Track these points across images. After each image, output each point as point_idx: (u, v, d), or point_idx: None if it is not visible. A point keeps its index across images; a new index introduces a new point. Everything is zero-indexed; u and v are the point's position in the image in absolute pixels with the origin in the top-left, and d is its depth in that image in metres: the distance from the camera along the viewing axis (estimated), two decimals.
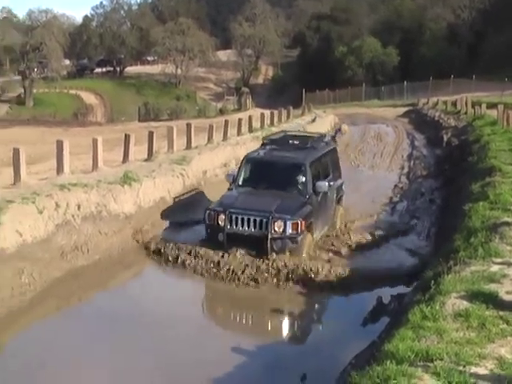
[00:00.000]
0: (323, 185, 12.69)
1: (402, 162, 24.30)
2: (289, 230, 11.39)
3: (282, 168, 12.83)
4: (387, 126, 36.13)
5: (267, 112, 29.25)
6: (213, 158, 18.53)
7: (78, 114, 59.78)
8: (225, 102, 66.84)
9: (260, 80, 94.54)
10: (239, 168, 13.27)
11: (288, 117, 31.75)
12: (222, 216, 11.63)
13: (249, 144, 19.82)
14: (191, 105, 64.62)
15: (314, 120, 33.16)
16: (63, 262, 11.12)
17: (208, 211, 11.95)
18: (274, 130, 25.97)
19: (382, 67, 68.71)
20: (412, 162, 24.08)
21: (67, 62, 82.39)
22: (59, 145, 13.94)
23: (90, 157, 15.29)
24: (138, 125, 35.66)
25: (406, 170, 22.75)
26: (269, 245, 11.34)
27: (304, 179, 12.55)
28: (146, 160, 16.69)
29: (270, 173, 12.83)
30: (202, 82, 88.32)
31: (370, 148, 27.62)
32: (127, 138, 16.39)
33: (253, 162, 13.28)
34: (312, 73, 68.71)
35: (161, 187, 14.78)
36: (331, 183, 13.54)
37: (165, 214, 14.08)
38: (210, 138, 20.79)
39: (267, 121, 27.34)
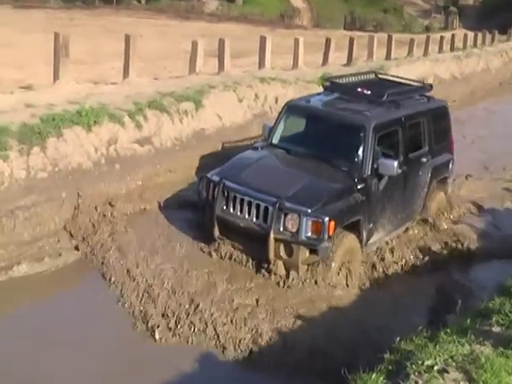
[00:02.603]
0: (390, 165, 7.78)
1: None
2: (305, 232, 7.08)
3: (333, 129, 8.22)
4: None
5: (471, 33, 28.76)
6: (411, 70, 18.29)
7: (285, 16, 60.34)
8: (431, 20, 63.78)
9: (470, 1, 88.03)
10: (277, 118, 8.83)
11: (492, 40, 30.86)
12: (217, 190, 7.70)
13: (449, 62, 19.30)
14: (397, 19, 62.36)
15: None
16: None
17: (203, 179, 8.02)
18: (476, 51, 24.65)
19: None
20: None
21: None
22: (262, 40, 14.61)
23: (291, 57, 15.80)
24: (342, 33, 35.37)
25: None
26: (270, 248, 7.17)
27: (361, 152, 7.80)
28: (344, 65, 17.09)
29: (315, 133, 8.52)
30: None
31: None
32: (328, 41, 17.48)
33: (295, 114, 8.77)
34: None
35: None
36: (423, 159, 8.90)
37: None
38: (410, 52, 21.36)
39: (470, 42, 27.30)
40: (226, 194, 7.57)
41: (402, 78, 10.23)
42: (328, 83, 9.10)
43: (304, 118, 8.72)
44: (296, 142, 8.46)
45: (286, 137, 8.61)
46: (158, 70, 15.48)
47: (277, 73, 14.10)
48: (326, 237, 7.04)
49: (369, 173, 7.76)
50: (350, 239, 7.57)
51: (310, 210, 7.09)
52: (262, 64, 14.62)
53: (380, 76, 10.29)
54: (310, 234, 7.07)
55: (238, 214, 7.45)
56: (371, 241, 8.02)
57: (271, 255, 7.19)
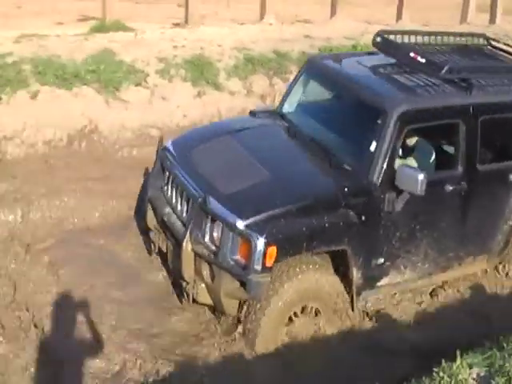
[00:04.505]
0: (411, 177, 4.92)
1: None
2: (231, 252, 4.67)
3: (349, 108, 5.88)
4: None
5: None
6: None
7: None
8: None
9: None
10: (294, 78, 6.48)
11: None
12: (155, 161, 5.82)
13: None
14: None
15: None
16: None
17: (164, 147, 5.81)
18: None
19: None
20: None
21: None
22: None
23: None
24: None
25: None
26: (185, 262, 4.87)
27: (373, 147, 5.13)
28: None
29: (328, 110, 6.12)
30: None
31: None
32: None
33: (315, 75, 6.17)
34: None
35: None
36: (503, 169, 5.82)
37: None
38: None
39: None
40: (165, 170, 5.49)
41: None
42: (379, 39, 6.08)
43: (322, 83, 6.14)
44: (304, 116, 6.03)
45: (297, 106, 6.17)
46: (428, 19, 15.63)
47: None
48: (257, 267, 4.53)
49: (378, 181, 5.04)
50: (317, 278, 4.96)
51: (241, 222, 4.58)
52: None
53: (493, 43, 6.69)
54: (237, 257, 4.63)
55: (173, 202, 5.30)
56: (381, 283, 5.41)
57: (187, 273, 4.90)
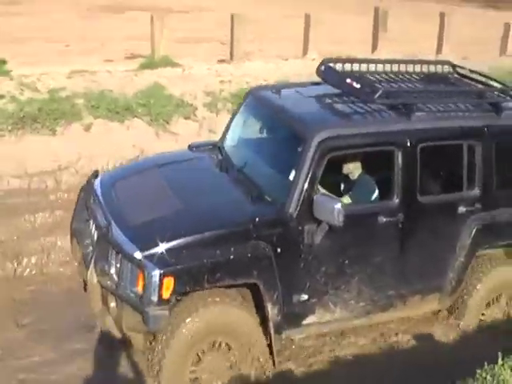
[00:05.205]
0: (327, 206, 4.57)
1: None
2: (130, 283, 4.45)
3: (277, 138, 5.54)
4: None
5: None
6: None
7: None
8: None
9: None
10: (235, 111, 6.12)
11: None
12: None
13: None
14: None
15: None
16: None
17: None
18: None
19: None
20: None
21: None
22: None
23: None
24: None
25: None
26: (92, 293, 4.73)
27: (292, 177, 4.78)
28: None
29: (259, 139, 5.75)
30: None
31: None
32: None
33: (254, 107, 5.72)
34: None
35: None
36: (461, 208, 5.29)
37: None
38: None
39: None
40: (91, 201, 5.18)
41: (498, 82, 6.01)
42: (322, 67, 5.67)
43: (258, 114, 5.72)
44: (240, 149, 5.67)
45: (236, 139, 5.79)
46: (468, 52, 15.73)
47: None
48: (154, 299, 4.31)
49: (295, 212, 4.66)
50: (228, 313, 4.65)
51: (138, 252, 4.35)
52: None
53: (459, 70, 6.13)
54: (136, 289, 4.39)
55: (91, 235, 4.97)
56: (308, 321, 4.96)
57: (95, 305, 4.75)
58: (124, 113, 8.44)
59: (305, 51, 12.13)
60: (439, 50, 13.07)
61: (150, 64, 10.57)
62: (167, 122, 8.56)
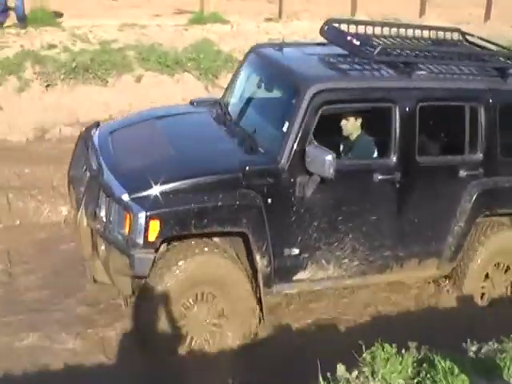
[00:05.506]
0: (318, 158, 4.46)
1: None
2: (118, 226, 4.43)
3: (272, 90, 5.46)
4: None
5: None
6: None
7: None
8: None
9: None
10: (237, 68, 6.02)
11: None
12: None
13: None
14: None
15: None
16: None
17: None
18: None
19: None
20: None
21: None
22: None
23: None
24: None
25: None
26: (82, 237, 4.79)
27: (286, 128, 4.68)
28: None
29: (261, 94, 5.60)
30: None
31: None
32: None
33: (256, 63, 5.61)
34: None
35: None
36: (462, 172, 5.13)
37: None
38: None
39: None
40: (88, 149, 5.12)
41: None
42: (326, 27, 5.53)
43: (257, 70, 5.62)
44: (240, 104, 5.61)
45: (238, 95, 5.71)
46: None
47: None
48: (139, 241, 4.31)
49: (287, 163, 4.59)
50: (217, 262, 4.58)
51: (126, 195, 4.36)
52: None
53: (469, 38, 5.92)
54: (123, 231, 4.39)
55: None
56: (299, 277, 4.86)
57: (84, 249, 4.79)
58: (174, 66, 8.53)
59: (353, 12, 11.98)
60: (487, 17, 12.76)
61: (199, 20, 10.59)
62: (216, 77, 8.62)
